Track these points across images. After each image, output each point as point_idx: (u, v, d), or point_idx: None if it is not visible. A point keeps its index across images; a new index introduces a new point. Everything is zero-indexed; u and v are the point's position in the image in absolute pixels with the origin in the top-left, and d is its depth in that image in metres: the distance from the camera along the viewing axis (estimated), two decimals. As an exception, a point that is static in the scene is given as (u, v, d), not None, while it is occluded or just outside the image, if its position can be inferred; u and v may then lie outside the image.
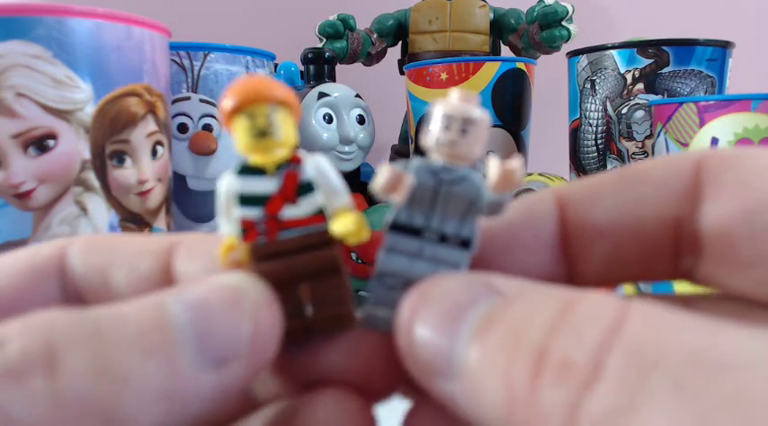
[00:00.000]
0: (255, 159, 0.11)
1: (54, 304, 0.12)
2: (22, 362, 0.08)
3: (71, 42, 0.26)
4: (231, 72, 0.39)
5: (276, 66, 0.57)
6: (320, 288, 0.11)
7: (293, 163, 0.12)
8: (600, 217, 0.11)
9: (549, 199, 0.12)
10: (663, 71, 0.43)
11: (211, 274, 0.11)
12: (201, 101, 0.38)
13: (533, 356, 0.08)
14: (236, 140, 0.11)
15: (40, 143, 0.26)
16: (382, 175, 0.11)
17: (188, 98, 0.38)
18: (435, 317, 0.10)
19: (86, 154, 0.28)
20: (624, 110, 0.45)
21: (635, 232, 0.11)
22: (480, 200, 0.11)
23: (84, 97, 0.27)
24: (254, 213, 0.11)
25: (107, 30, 0.28)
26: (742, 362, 0.07)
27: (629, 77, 0.44)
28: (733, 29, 0.56)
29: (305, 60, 0.52)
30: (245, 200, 0.11)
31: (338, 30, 0.60)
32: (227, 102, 0.11)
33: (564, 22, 0.57)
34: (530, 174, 0.47)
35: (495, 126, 0.50)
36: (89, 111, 0.27)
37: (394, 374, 0.11)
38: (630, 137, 0.45)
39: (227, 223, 0.12)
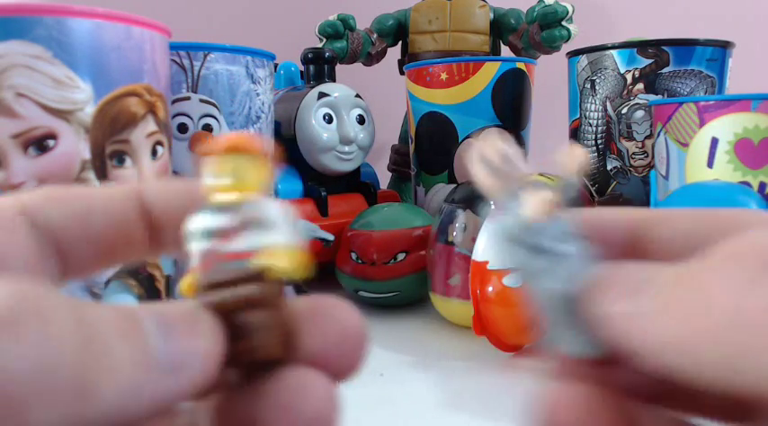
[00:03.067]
0: (217, 198, 0.13)
1: (30, 254, 0.13)
2: (17, 314, 0.09)
3: (71, 42, 0.26)
4: (231, 72, 0.39)
5: (276, 66, 0.57)
6: (258, 319, 0.12)
7: (247, 203, 0.13)
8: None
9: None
10: (663, 71, 0.43)
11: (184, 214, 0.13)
12: (201, 101, 0.38)
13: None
14: (205, 179, 0.13)
15: (40, 143, 0.26)
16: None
17: (188, 98, 0.38)
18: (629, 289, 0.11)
19: (86, 154, 0.28)
20: (624, 110, 0.45)
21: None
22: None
23: (84, 97, 0.27)
24: (207, 246, 0.13)
25: (107, 30, 0.28)
26: None
27: (629, 77, 0.44)
28: (733, 29, 0.56)
29: (305, 60, 0.52)
30: (202, 235, 0.13)
31: (338, 30, 0.60)
32: (208, 148, 0.13)
33: (564, 22, 0.57)
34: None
35: (494, 126, 0.50)
36: (89, 111, 0.27)
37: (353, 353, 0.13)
38: (630, 137, 0.45)
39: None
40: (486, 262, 0.32)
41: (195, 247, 0.13)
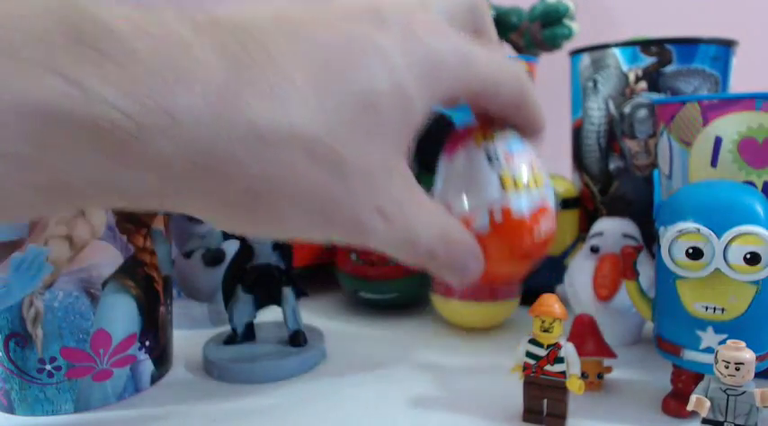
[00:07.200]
0: (539, 339, 0.26)
1: None
2: None
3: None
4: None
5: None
6: (551, 400, 0.27)
7: (557, 346, 0.26)
8: None
9: None
10: (666, 69, 0.43)
11: None
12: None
13: None
14: (534, 325, 0.26)
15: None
16: (693, 405, 0.22)
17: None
18: None
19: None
20: (627, 109, 0.44)
21: None
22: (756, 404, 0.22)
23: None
24: (532, 362, 0.27)
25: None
26: None
27: (631, 76, 0.44)
28: (737, 27, 0.56)
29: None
30: (529, 355, 0.27)
31: (339, 28, 0.60)
32: (554, 311, 0.26)
33: (566, 20, 0.57)
34: (531, 174, 0.47)
35: (496, 125, 0.50)
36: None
37: None
38: (633, 136, 0.44)
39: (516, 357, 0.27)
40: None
41: (521, 357, 0.27)
